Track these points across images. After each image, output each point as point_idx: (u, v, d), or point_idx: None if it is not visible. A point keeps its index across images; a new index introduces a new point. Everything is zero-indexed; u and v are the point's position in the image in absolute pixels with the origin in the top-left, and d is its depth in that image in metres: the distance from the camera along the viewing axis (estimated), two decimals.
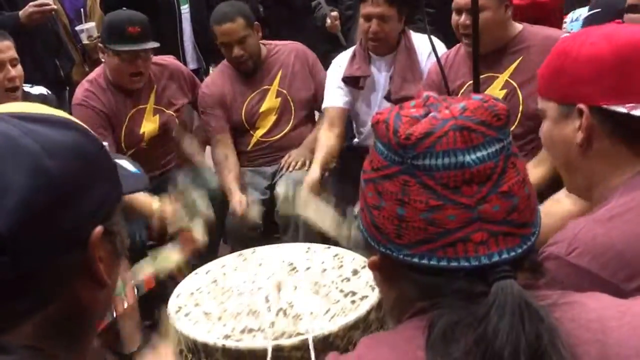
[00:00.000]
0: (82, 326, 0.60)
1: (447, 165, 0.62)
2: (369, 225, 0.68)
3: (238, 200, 2.35)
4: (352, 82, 2.44)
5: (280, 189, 2.26)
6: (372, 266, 0.70)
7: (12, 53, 2.11)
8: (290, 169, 2.45)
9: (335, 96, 2.46)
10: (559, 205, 1.31)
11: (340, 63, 2.48)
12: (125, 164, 0.67)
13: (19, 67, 2.13)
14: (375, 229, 0.67)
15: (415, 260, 0.63)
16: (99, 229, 0.56)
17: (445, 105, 0.65)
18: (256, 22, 2.52)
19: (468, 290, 0.61)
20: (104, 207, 0.59)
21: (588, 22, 2.11)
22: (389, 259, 0.66)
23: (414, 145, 0.63)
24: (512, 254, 0.63)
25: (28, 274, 0.53)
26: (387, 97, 2.41)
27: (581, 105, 0.91)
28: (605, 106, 0.90)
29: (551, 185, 1.40)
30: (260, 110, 2.55)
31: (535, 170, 1.82)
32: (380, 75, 2.45)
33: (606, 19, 1.84)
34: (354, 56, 2.45)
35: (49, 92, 2.30)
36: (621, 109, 0.89)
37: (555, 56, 0.96)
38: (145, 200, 2.12)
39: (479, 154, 0.62)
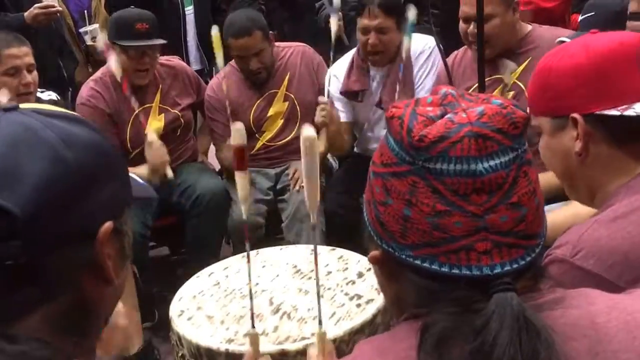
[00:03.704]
0: (89, 322, 0.61)
1: (459, 172, 0.60)
2: (373, 220, 0.66)
3: None
4: (351, 95, 2.40)
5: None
6: (373, 260, 0.69)
7: (29, 59, 2.11)
8: (297, 187, 2.41)
9: (338, 110, 2.43)
10: (578, 207, 1.30)
11: (337, 74, 2.43)
12: (133, 176, 0.69)
13: (35, 73, 2.13)
14: (379, 225, 0.65)
15: (417, 262, 0.62)
16: (108, 224, 0.58)
17: (463, 107, 0.63)
18: (271, 32, 2.49)
19: (466, 299, 0.60)
20: (115, 203, 0.60)
21: (583, 25, 2.09)
22: (391, 256, 0.65)
23: (427, 147, 0.61)
24: (515, 265, 0.62)
25: (38, 262, 0.54)
26: (378, 104, 2.38)
27: (575, 115, 0.93)
28: (598, 112, 0.92)
29: None
30: (268, 114, 2.53)
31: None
32: (377, 85, 2.41)
33: (600, 21, 1.83)
34: (351, 68, 2.40)
35: (59, 97, 2.32)
36: (614, 112, 0.91)
37: (539, 73, 0.99)
38: (135, 171, 2.13)
39: (491, 163, 0.61)
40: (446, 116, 0.63)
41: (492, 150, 0.61)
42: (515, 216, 0.61)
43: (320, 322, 1.02)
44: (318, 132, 2.29)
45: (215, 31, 2.18)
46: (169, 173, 2.24)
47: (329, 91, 2.45)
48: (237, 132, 0.97)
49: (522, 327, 0.57)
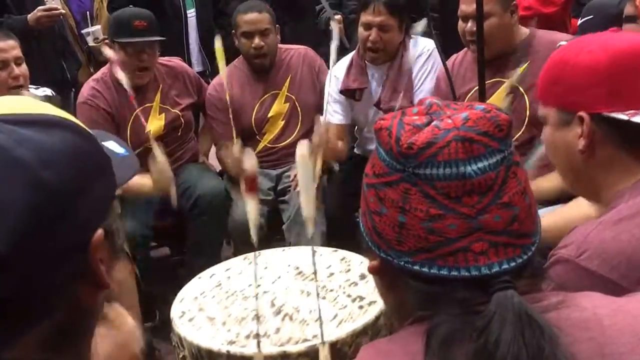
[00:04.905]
0: (83, 330, 0.59)
1: (448, 176, 0.62)
2: (370, 230, 0.68)
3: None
4: (349, 94, 2.41)
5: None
6: (372, 270, 0.70)
7: (17, 52, 2.12)
8: (299, 188, 2.41)
9: (335, 112, 2.44)
10: (580, 208, 1.30)
11: (337, 74, 2.44)
12: (112, 145, 0.65)
13: (24, 66, 2.14)
14: (376, 234, 0.67)
15: (416, 268, 0.63)
16: (99, 232, 0.55)
17: (448, 114, 0.65)
18: (277, 25, 2.52)
19: (468, 300, 0.61)
20: (103, 208, 0.57)
21: (581, 29, 2.10)
22: (389, 265, 0.66)
23: (415, 154, 0.63)
24: (513, 264, 0.63)
25: (29, 289, 0.51)
26: (377, 105, 2.38)
27: (582, 113, 0.92)
28: (605, 113, 0.91)
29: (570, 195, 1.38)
30: (269, 115, 2.53)
31: (555, 177, 1.81)
32: (376, 85, 2.42)
33: (599, 25, 1.84)
34: (350, 66, 2.41)
35: (54, 93, 2.32)
36: (621, 116, 0.90)
37: (554, 64, 0.98)
38: (139, 182, 2.10)
39: (480, 165, 0.62)
40: (432, 123, 0.64)
41: (479, 152, 0.62)
42: (507, 215, 0.63)
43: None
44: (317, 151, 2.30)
45: (218, 44, 2.19)
46: (173, 196, 2.17)
47: (328, 92, 2.45)
48: (250, 159, 0.99)
49: (524, 323, 0.58)
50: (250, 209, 1.05)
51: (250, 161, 1.00)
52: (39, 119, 0.54)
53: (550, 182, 1.81)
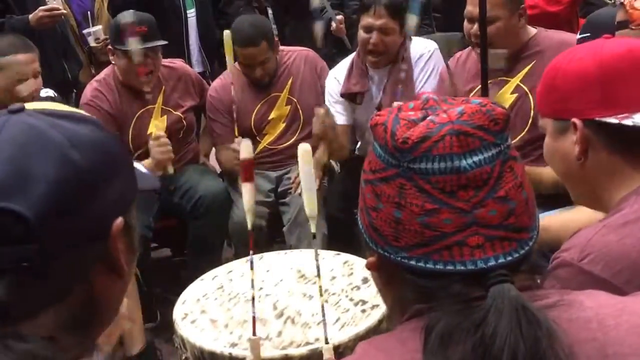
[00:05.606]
0: (97, 318, 0.61)
1: (443, 170, 0.62)
2: (367, 226, 0.68)
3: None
4: (350, 97, 2.40)
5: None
6: (370, 267, 0.70)
7: (36, 65, 2.12)
8: (299, 191, 2.41)
9: (337, 113, 2.42)
10: (582, 212, 1.30)
11: (337, 75, 2.43)
12: (137, 165, 0.69)
13: (39, 79, 2.15)
14: (373, 230, 0.67)
15: (412, 263, 0.63)
16: (120, 220, 0.59)
17: (443, 109, 0.65)
18: (276, 39, 2.50)
19: (465, 294, 0.61)
20: (124, 199, 0.61)
21: None
22: (387, 260, 0.66)
23: (410, 149, 0.63)
24: (509, 258, 0.62)
25: (52, 263, 0.55)
26: (379, 109, 2.38)
27: (575, 120, 0.93)
28: (597, 118, 0.91)
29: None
30: (270, 117, 2.53)
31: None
32: (377, 88, 2.41)
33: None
34: (351, 69, 2.40)
35: (56, 94, 2.32)
36: (613, 120, 0.90)
37: (547, 74, 0.99)
38: None
39: (475, 159, 0.62)
40: (428, 118, 0.64)
41: (474, 146, 0.62)
42: (503, 210, 0.62)
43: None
44: (318, 143, 2.30)
45: (227, 37, 2.18)
46: (170, 169, 2.25)
47: (329, 93, 2.44)
48: (246, 146, 0.99)
49: (521, 316, 0.58)
50: (247, 197, 1.05)
51: (246, 148, 1.00)
52: (71, 115, 0.61)
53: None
